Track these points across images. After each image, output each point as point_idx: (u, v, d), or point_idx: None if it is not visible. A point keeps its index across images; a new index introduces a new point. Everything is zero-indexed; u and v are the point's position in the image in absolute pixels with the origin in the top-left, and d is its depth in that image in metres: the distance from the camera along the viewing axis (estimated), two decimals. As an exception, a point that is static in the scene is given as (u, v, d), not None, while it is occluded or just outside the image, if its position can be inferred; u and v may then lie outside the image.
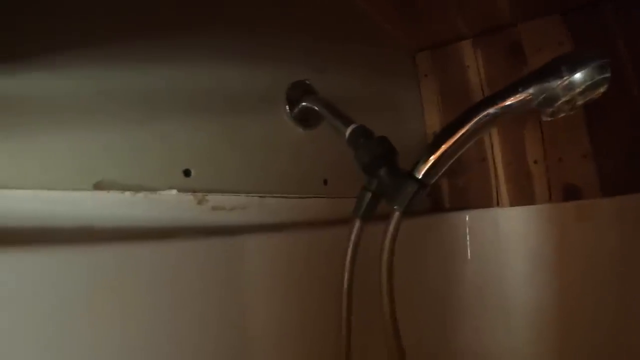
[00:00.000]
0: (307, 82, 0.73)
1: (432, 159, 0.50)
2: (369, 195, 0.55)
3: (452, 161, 0.51)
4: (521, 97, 0.43)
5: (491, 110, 0.45)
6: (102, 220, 0.47)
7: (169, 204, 0.52)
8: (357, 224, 0.56)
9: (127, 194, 0.49)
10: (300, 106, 0.69)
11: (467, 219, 0.92)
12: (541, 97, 0.42)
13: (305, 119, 0.71)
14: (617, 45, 0.82)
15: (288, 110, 0.69)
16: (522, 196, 0.90)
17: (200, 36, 0.60)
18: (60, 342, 0.39)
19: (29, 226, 0.42)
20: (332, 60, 0.79)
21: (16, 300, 0.37)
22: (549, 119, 0.46)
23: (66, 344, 0.40)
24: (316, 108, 0.66)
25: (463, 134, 0.48)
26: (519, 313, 0.86)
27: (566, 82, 0.40)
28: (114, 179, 0.49)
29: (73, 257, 0.41)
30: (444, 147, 0.50)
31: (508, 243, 0.88)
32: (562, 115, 0.44)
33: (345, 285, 0.57)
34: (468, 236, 0.92)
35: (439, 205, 0.99)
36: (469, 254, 0.91)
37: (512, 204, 0.91)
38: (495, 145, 0.93)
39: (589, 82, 0.40)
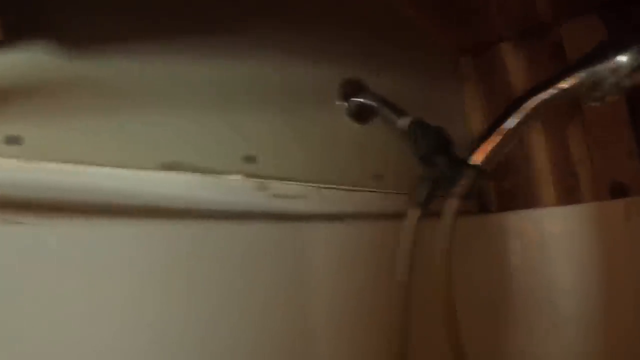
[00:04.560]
0: (361, 80, 0.77)
1: (489, 146, 0.55)
2: (428, 183, 0.59)
3: (508, 148, 0.55)
4: (572, 81, 0.47)
5: (545, 96, 0.49)
6: (170, 200, 0.52)
7: (234, 188, 0.57)
8: (418, 212, 0.60)
9: (195, 175, 0.53)
10: (355, 101, 0.73)
11: (514, 219, 0.93)
12: (590, 80, 0.46)
13: (359, 114, 0.74)
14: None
15: (345, 105, 0.73)
16: (569, 196, 0.90)
17: (268, 33, 0.65)
18: (135, 302, 0.46)
19: (101, 202, 0.47)
20: (384, 64, 0.84)
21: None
22: (596, 104, 0.49)
23: (138, 305, 0.46)
24: (372, 103, 0.70)
25: (519, 121, 0.52)
26: (567, 312, 0.85)
27: (612, 64, 0.44)
28: (183, 161, 0.53)
29: (143, 231, 0.48)
30: (499, 136, 0.54)
31: (555, 242, 0.89)
32: (609, 99, 0.47)
33: (406, 272, 0.60)
34: (515, 236, 0.93)
35: (486, 208, 1.01)
36: (516, 253, 0.92)
37: (558, 204, 0.91)
38: (540, 147, 0.94)
39: (635, 64, 0.43)
